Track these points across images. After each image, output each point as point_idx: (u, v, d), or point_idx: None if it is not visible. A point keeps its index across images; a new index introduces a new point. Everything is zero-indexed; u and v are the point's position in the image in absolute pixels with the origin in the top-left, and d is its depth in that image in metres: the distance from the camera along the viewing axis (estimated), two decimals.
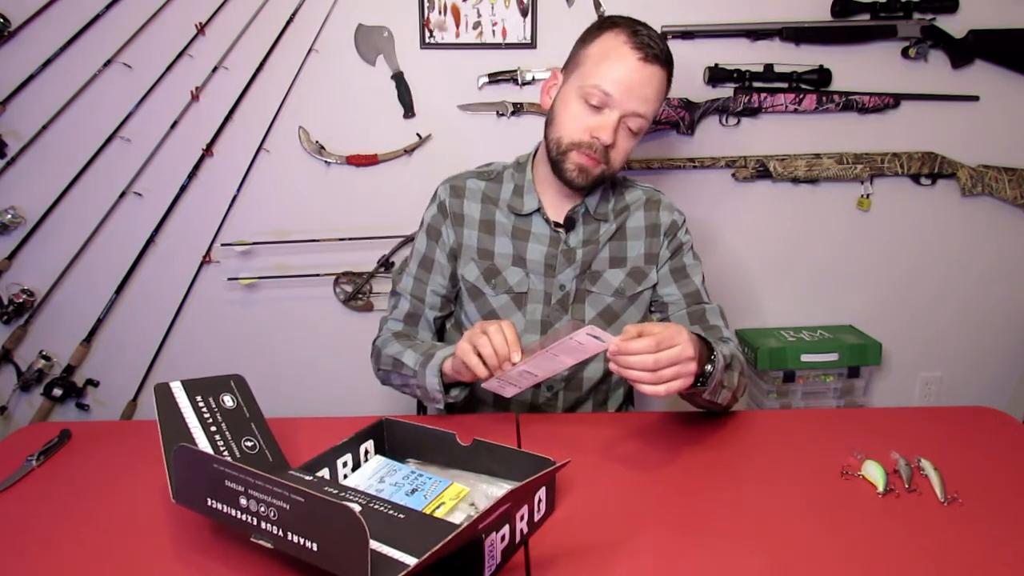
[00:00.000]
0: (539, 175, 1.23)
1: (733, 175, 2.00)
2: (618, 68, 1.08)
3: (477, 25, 1.87)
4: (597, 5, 1.87)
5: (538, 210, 1.21)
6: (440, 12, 1.86)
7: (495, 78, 1.90)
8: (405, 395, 1.25)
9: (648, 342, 0.88)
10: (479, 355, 0.97)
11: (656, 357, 0.88)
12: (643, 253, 1.24)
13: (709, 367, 0.99)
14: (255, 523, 0.69)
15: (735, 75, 1.91)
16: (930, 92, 1.95)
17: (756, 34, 1.90)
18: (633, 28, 1.10)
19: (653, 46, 1.08)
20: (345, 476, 0.89)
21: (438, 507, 0.80)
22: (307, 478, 0.82)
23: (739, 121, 1.97)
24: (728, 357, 1.04)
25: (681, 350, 0.89)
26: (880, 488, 0.88)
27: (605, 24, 1.13)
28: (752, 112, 1.94)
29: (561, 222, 1.21)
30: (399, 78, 1.91)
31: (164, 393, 0.87)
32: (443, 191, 1.26)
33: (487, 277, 1.23)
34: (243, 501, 0.69)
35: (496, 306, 1.23)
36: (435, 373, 1.09)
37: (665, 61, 1.10)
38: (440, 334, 1.33)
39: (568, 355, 0.92)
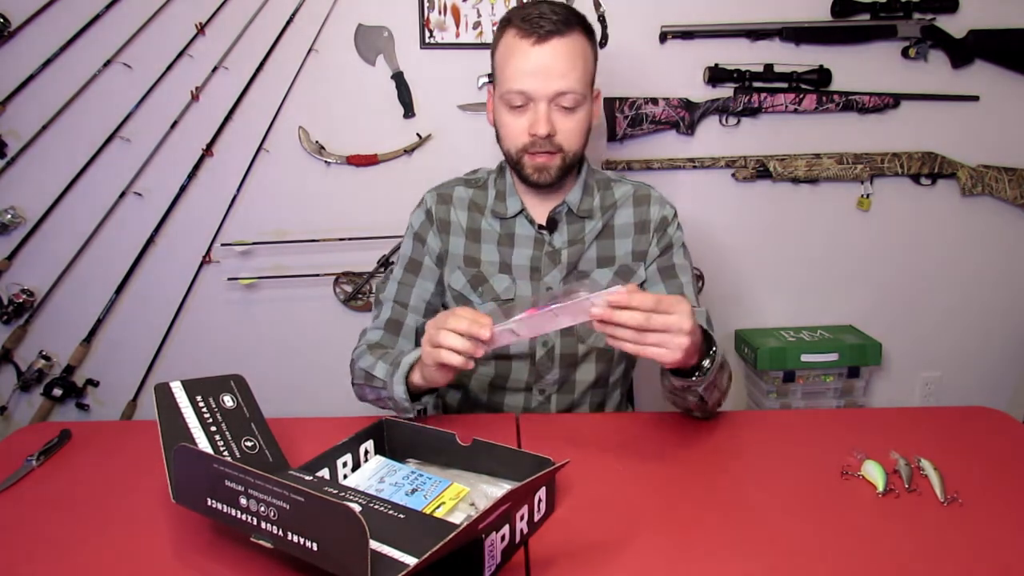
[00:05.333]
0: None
1: (733, 175, 2.00)
2: (520, 63, 1.07)
3: (477, 25, 1.87)
4: (597, 5, 1.87)
5: (522, 211, 1.20)
6: (440, 12, 1.86)
7: None
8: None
9: (648, 299, 0.85)
10: (452, 349, 0.92)
11: (647, 316, 0.85)
12: (631, 251, 1.22)
13: (707, 362, 0.97)
14: (255, 523, 0.69)
15: (735, 75, 1.91)
16: (930, 92, 1.95)
17: (756, 34, 1.90)
18: (521, 15, 1.08)
19: (544, 24, 1.06)
20: (345, 476, 0.89)
21: (438, 507, 0.80)
22: (307, 478, 0.82)
23: (739, 121, 1.97)
24: (722, 356, 1.04)
25: (678, 319, 0.86)
26: (880, 488, 0.88)
27: (500, 25, 1.12)
28: (752, 112, 1.94)
29: (544, 223, 1.20)
30: (399, 78, 1.91)
31: (164, 393, 0.87)
32: (430, 198, 1.26)
33: (474, 285, 1.22)
34: (243, 501, 0.69)
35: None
36: (401, 382, 1.05)
37: (565, 24, 1.07)
38: None
39: (569, 316, 0.88)
